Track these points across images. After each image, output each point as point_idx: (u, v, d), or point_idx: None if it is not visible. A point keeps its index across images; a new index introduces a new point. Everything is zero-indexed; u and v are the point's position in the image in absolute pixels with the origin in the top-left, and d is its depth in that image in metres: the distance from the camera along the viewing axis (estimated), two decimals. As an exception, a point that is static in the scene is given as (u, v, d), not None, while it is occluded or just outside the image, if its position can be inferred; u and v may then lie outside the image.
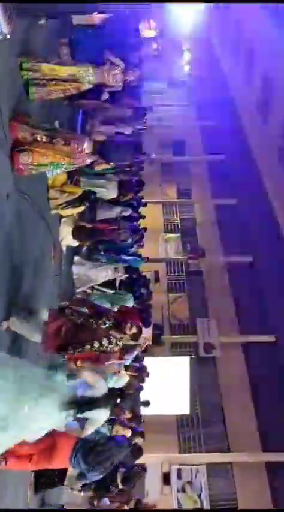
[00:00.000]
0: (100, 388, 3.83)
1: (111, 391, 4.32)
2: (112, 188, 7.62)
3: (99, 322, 4.49)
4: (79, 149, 4.94)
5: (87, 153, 5.05)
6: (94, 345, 4.27)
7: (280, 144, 12.51)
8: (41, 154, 4.79)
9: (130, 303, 7.33)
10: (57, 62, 5.43)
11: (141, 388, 7.00)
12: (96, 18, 6.65)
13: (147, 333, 8.93)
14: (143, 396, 7.34)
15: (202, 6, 19.77)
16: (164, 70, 23.07)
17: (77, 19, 6.64)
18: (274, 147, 12.93)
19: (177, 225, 16.19)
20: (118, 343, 4.47)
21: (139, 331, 4.88)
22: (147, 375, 6.86)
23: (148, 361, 9.06)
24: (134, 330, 4.71)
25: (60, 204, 6.47)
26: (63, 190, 6.38)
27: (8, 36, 2.33)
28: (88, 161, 5.32)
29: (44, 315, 4.63)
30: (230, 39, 18.00)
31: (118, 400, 5.60)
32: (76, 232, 7.00)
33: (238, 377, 11.76)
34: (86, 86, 5.64)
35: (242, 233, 14.43)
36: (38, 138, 4.77)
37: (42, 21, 5.57)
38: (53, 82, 5.32)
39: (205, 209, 16.58)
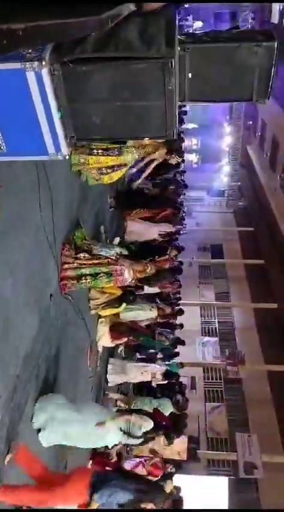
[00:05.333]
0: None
1: None
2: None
3: None
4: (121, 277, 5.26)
5: (126, 279, 5.32)
6: None
7: None
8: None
9: (170, 409, 7.02)
10: (102, 153, 5.89)
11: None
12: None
13: (181, 446, 8.30)
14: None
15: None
16: (204, 180, 24.62)
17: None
18: None
19: (215, 328, 15.83)
20: None
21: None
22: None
23: (182, 479, 8.27)
24: None
25: (100, 304, 6.55)
26: (104, 290, 6.49)
27: (67, 157, 2.59)
28: (128, 278, 5.51)
29: None
30: (265, 151, 19.19)
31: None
32: (114, 329, 6.99)
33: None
34: (132, 163, 6.15)
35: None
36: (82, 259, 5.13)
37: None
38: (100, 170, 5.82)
39: (244, 313, 16.27)
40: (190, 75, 2.88)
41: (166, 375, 7.71)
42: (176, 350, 8.56)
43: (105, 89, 2.55)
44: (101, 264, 5.18)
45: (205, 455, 11.35)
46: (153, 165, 7.16)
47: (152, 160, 6.97)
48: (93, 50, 2.41)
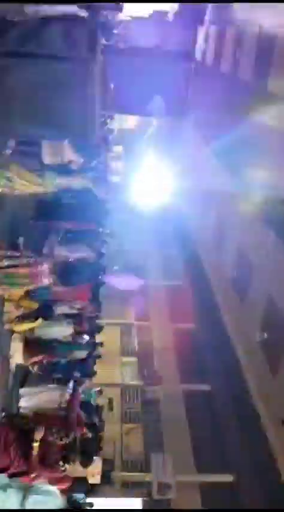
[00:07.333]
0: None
1: None
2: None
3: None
4: (38, 272, 5.15)
5: (44, 275, 5.21)
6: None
7: (233, 276, 13.01)
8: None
9: None
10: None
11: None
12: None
13: (95, 469, 8.07)
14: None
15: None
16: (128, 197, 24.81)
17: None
18: (228, 281, 13.38)
19: (135, 348, 15.85)
20: None
21: None
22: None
23: (95, 502, 8.02)
24: None
25: (15, 318, 6.27)
26: (20, 304, 6.23)
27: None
28: (46, 281, 5.42)
29: None
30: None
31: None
32: (28, 346, 6.69)
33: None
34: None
35: (199, 360, 14.23)
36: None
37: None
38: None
39: (163, 333, 16.51)
40: (112, 85, 2.93)
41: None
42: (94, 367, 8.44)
43: (25, 86, 2.50)
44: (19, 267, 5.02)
45: (120, 477, 11.14)
46: None
47: None
48: (14, 44, 2.36)
